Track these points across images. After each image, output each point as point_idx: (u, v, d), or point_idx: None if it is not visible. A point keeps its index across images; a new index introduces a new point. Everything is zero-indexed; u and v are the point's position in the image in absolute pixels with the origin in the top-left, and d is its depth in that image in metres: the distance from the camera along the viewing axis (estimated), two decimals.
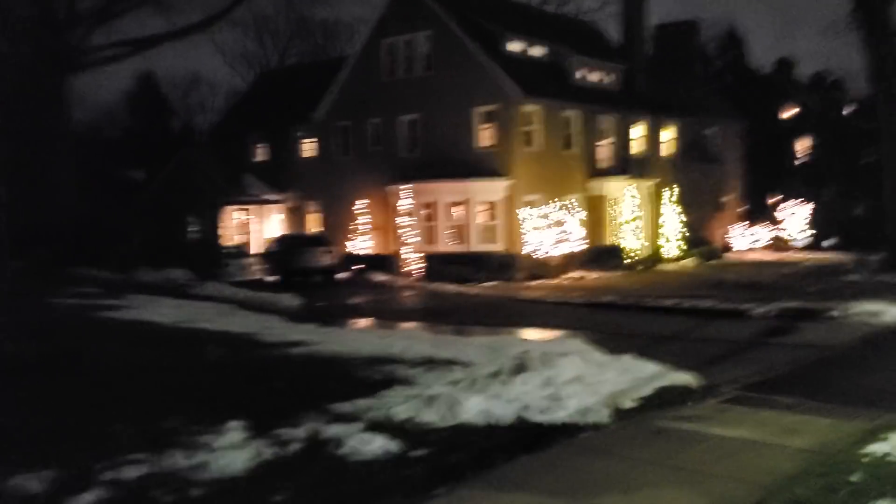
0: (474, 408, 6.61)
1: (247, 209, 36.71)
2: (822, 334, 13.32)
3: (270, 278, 28.92)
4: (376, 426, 6.18)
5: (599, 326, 15.17)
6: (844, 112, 51.92)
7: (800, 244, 40.60)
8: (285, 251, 28.88)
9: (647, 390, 7.72)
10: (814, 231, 41.84)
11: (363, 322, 16.87)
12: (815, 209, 43.09)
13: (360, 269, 28.71)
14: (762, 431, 6.83)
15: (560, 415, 6.69)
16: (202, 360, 9.07)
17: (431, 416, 6.45)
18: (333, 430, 5.95)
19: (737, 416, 7.39)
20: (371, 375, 8.13)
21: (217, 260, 30.36)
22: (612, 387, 7.56)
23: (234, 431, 5.81)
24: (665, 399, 7.77)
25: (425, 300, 21.69)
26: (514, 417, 6.62)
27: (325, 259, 28.85)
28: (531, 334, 14.38)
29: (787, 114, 51.13)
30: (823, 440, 6.56)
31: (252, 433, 5.84)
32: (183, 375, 8.40)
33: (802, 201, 41.42)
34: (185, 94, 62.27)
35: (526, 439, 6.17)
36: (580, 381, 7.47)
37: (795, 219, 40.71)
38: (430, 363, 8.57)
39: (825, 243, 44.58)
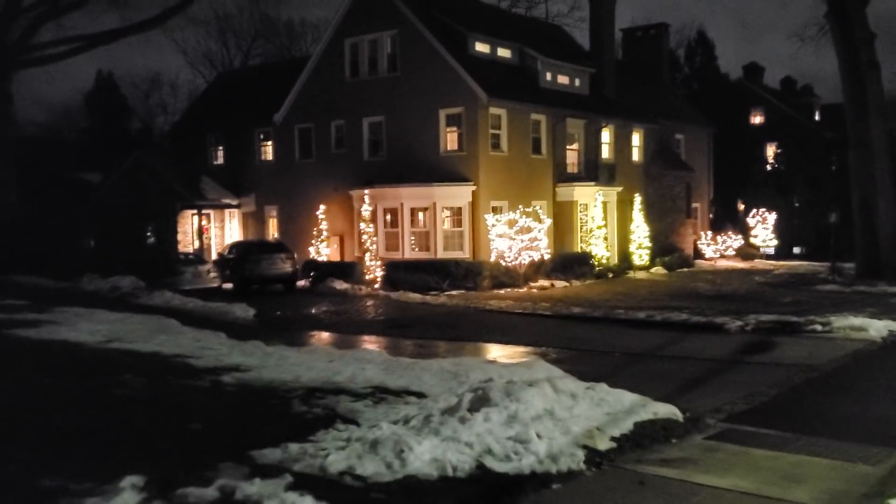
0: (426, 454, 5.58)
1: (205, 213, 35.33)
2: (806, 351, 12.52)
3: (227, 286, 27.62)
4: (305, 482, 5.12)
5: (569, 341, 14.25)
6: (813, 118, 51.91)
7: (768, 252, 40.27)
8: (242, 258, 27.55)
9: (627, 425, 6.76)
10: (782, 239, 41.57)
11: (317, 336, 15.77)
12: (783, 217, 42.86)
13: (321, 276, 27.49)
14: (758, 478, 5.91)
15: (527, 461, 5.69)
16: (114, 393, 7.88)
17: (374, 467, 5.40)
18: (251, 488, 4.87)
19: (727, 458, 6.46)
20: (310, 410, 7.02)
21: (171, 267, 28.97)
22: (587, 422, 6.58)
23: (128, 492, 4.71)
24: (646, 435, 6.82)
25: (387, 310, 20.63)
26: (474, 466, 5.61)
27: (284, 266, 27.60)
28: (496, 351, 13.40)
29: (756, 120, 50.98)
30: (831, 489, 5.65)
31: (150, 494, 4.75)
32: (85, 413, 7.17)
33: (771, 209, 41.13)
34: (147, 95, 60.62)
35: (487, 496, 5.15)
36: (550, 415, 6.49)
37: (764, 226, 40.38)
38: (380, 393, 7.51)
39: (794, 251, 44.41)
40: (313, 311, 20.69)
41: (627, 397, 7.48)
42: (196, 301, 20.36)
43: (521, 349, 13.42)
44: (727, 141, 43.49)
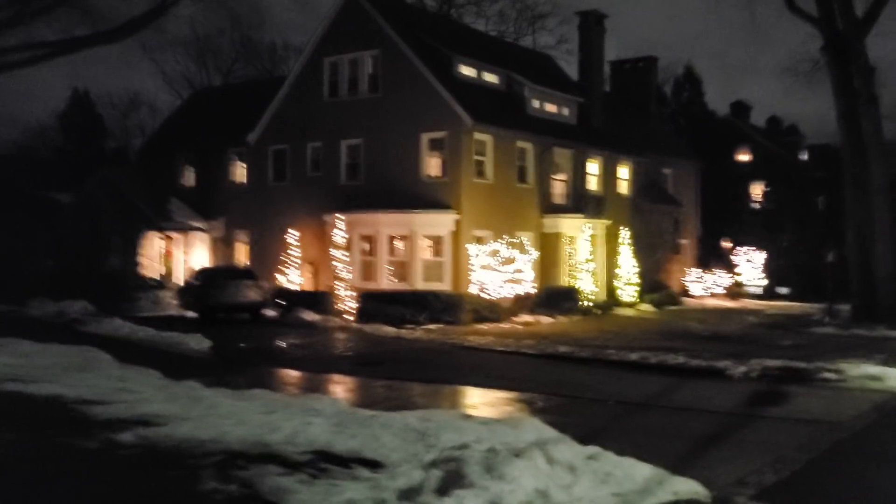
0: None
1: (172, 237, 33.64)
2: (823, 405, 11.12)
3: (190, 314, 25.92)
4: None
5: (556, 386, 12.76)
6: (800, 158, 51.33)
7: (755, 291, 39.15)
8: (207, 284, 25.90)
9: None
10: (770, 278, 40.51)
11: (272, 374, 14.18)
12: (770, 256, 41.87)
13: (291, 306, 25.87)
14: None
15: None
16: None
17: None
18: None
19: None
20: (221, 489, 5.34)
21: (129, 292, 27.19)
22: None
23: None
24: None
25: (357, 345, 19.05)
26: None
27: (251, 294, 25.98)
28: (475, 397, 11.87)
29: (743, 157, 50.26)
30: None
31: None
32: None
33: (758, 247, 40.12)
34: (125, 115, 58.96)
35: None
36: (544, 499, 4.99)
37: (751, 265, 39.32)
38: (322, 461, 5.91)
39: (780, 291, 43.34)
40: (277, 343, 19.07)
41: (639, 470, 6.00)
42: (148, 330, 18.68)
43: (504, 395, 11.90)
44: (714, 177, 42.58)
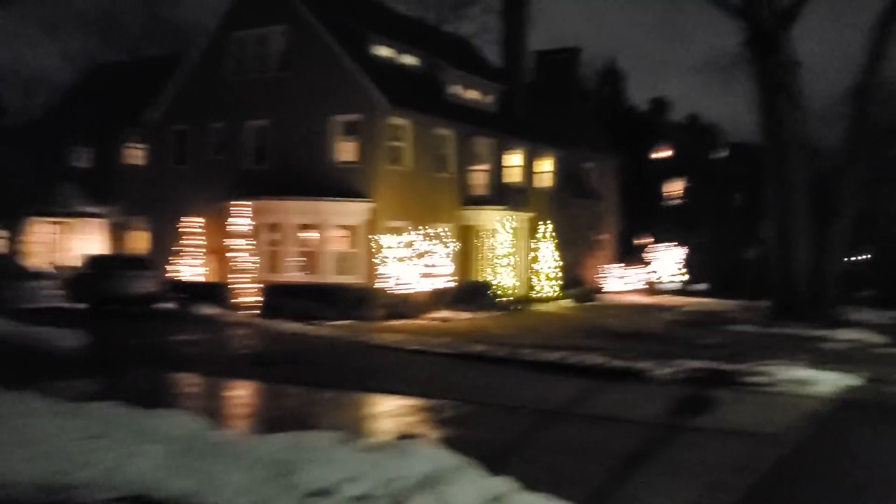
0: None
1: (64, 222, 31.02)
2: (755, 413, 10.24)
3: (79, 306, 23.63)
4: None
5: (469, 391, 11.52)
6: (718, 155, 51.89)
7: (672, 287, 39.08)
8: (96, 275, 23.70)
9: None
10: (687, 274, 40.54)
11: (147, 377, 12.47)
12: (688, 252, 41.95)
13: (190, 299, 23.91)
14: None
15: None
16: None
17: None
18: None
19: None
20: None
21: (6, 281, 24.64)
22: None
23: None
24: None
25: (256, 342, 17.40)
26: None
27: (146, 285, 23.93)
28: (375, 406, 10.51)
29: (662, 154, 50.42)
30: None
31: None
32: None
33: (675, 243, 40.10)
34: (28, 94, 54.78)
35: None
36: None
37: (668, 261, 39.25)
38: None
39: (697, 287, 43.56)
40: (167, 340, 17.25)
41: None
42: (15, 324, 16.57)
43: (409, 402, 10.57)
44: (634, 173, 42.39)
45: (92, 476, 5.11)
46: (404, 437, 8.23)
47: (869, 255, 51.19)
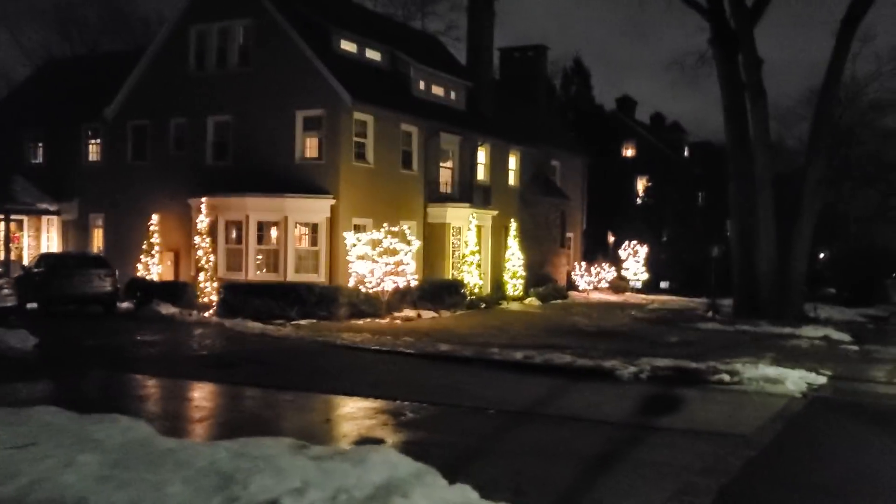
0: None
1: (16, 220, 30.04)
2: (723, 412, 10.07)
3: (31, 306, 22.84)
4: None
5: (432, 391, 11.21)
6: (682, 154, 52.24)
7: (638, 285, 39.19)
8: (50, 273, 22.97)
9: None
10: (652, 272, 40.70)
11: (94, 380, 11.98)
12: (652, 250, 42.12)
13: (148, 298, 23.27)
14: None
15: None
16: None
17: None
18: None
19: None
20: None
21: None
22: None
23: None
24: None
25: (214, 343, 16.91)
26: None
27: (103, 285, 23.29)
28: (335, 408, 10.15)
29: (628, 152, 50.62)
30: None
31: None
32: None
33: (641, 242, 40.23)
34: None
35: None
36: None
37: (634, 259, 39.35)
38: None
39: (661, 285, 43.75)
40: (121, 341, 16.68)
41: None
42: None
43: (370, 404, 10.23)
44: (600, 171, 42.43)
45: (16, 489, 4.68)
46: (363, 441, 7.91)
47: (826, 254, 52.00)
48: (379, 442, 7.90)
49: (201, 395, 11.03)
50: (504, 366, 13.84)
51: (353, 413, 9.66)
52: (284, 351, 15.67)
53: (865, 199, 48.95)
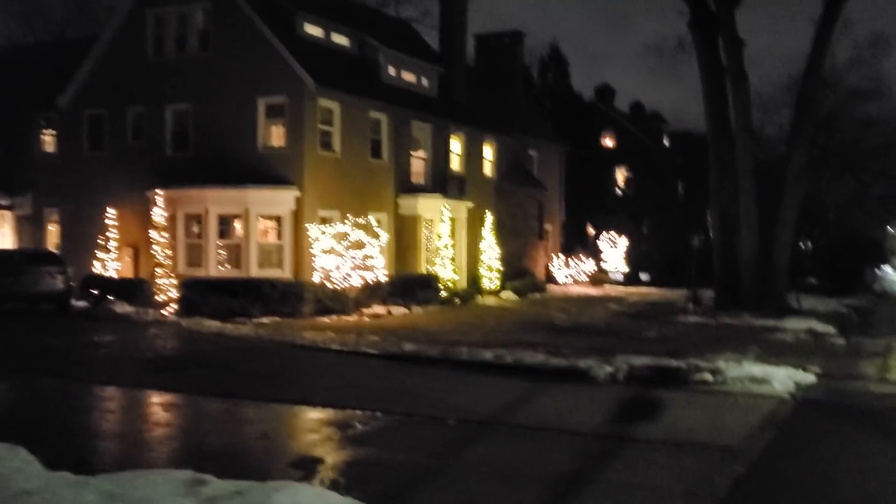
0: None
1: None
2: (706, 419, 9.17)
3: None
4: None
5: (389, 397, 10.22)
6: (662, 144, 51.50)
7: (618, 278, 38.42)
8: None
9: None
10: (632, 264, 39.96)
11: (14, 388, 10.87)
12: (633, 242, 41.37)
13: (103, 296, 22.11)
14: None
15: None
16: None
17: None
18: None
19: None
20: None
21: None
22: None
23: None
24: None
25: (166, 343, 15.82)
26: None
27: (55, 283, 22.10)
28: (274, 420, 9.11)
29: (607, 142, 49.79)
30: None
31: None
32: None
33: (620, 233, 39.46)
34: None
35: None
36: None
37: (614, 251, 38.59)
38: None
39: (641, 277, 43.02)
40: (66, 342, 15.54)
41: None
42: None
43: (316, 414, 9.24)
44: (579, 162, 41.54)
45: None
46: (299, 462, 6.92)
47: (808, 244, 51.58)
48: (317, 462, 6.92)
49: (127, 405, 9.98)
50: (472, 367, 12.88)
51: (297, 426, 8.67)
52: (238, 352, 14.62)
53: (844, 188, 48.54)
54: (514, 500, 6.01)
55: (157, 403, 10.01)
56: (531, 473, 6.77)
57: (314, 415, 9.20)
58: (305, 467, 6.61)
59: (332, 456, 7.22)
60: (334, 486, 5.99)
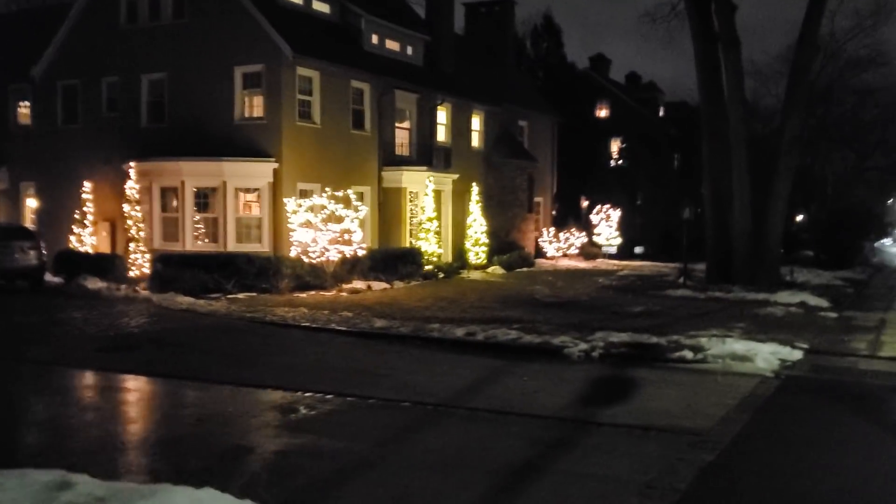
0: None
1: None
2: (680, 399, 8.58)
3: None
4: None
5: (346, 380, 9.64)
6: (657, 115, 50.58)
7: (611, 251, 37.79)
8: None
9: None
10: (625, 237, 39.31)
11: None
12: (626, 214, 40.68)
13: (76, 272, 21.50)
14: None
15: None
16: None
17: None
18: None
19: None
20: None
21: None
22: None
23: None
24: None
25: (131, 321, 15.21)
26: None
27: (27, 258, 21.39)
28: (217, 403, 8.51)
29: (601, 113, 48.87)
30: None
31: None
32: None
33: (614, 206, 38.75)
34: None
35: None
36: None
37: (607, 224, 37.91)
38: None
39: (636, 250, 42.38)
40: (30, 320, 14.96)
41: None
42: None
43: (266, 396, 8.66)
44: (572, 133, 40.68)
45: None
46: (227, 451, 6.34)
47: (804, 216, 50.88)
48: (246, 452, 6.34)
49: (65, 388, 9.36)
50: (442, 344, 12.30)
51: (240, 410, 8.07)
52: (203, 329, 14.04)
53: (842, 160, 47.72)
54: (450, 496, 5.42)
55: (97, 386, 9.43)
56: (477, 464, 6.18)
57: (261, 397, 8.63)
58: (228, 459, 6.03)
59: (264, 445, 6.64)
60: (252, 481, 5.41)
